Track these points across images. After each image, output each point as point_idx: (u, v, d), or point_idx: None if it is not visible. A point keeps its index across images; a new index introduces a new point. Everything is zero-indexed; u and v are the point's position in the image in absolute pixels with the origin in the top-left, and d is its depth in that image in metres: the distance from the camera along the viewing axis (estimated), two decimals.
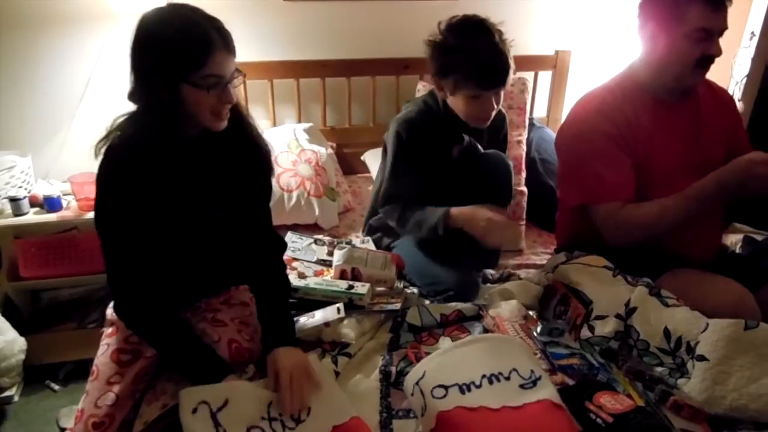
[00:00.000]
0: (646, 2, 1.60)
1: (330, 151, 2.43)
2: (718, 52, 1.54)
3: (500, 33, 1.66)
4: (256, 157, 1.42)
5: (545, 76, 2.72)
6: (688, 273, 1.62)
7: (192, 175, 1.32)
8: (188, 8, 1.22)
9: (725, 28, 1.53)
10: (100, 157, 1.25)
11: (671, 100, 1.65)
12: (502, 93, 1.72)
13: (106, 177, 1.24)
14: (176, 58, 1.16)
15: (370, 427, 1.21)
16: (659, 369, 1.40)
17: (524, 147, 2.34)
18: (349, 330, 1.46)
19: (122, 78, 2.08)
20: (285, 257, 1.77)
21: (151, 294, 1.29)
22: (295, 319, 1.45)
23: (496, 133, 1.93)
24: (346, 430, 1.19)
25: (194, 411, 1.14)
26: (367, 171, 2.53)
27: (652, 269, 1.63)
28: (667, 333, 1.41)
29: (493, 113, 1.74)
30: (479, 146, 1.83)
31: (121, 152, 1.23)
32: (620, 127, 1.61)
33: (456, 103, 1.73)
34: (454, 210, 1.70)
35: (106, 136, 1.25)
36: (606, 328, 1.49)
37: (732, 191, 1.43)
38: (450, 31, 1.68)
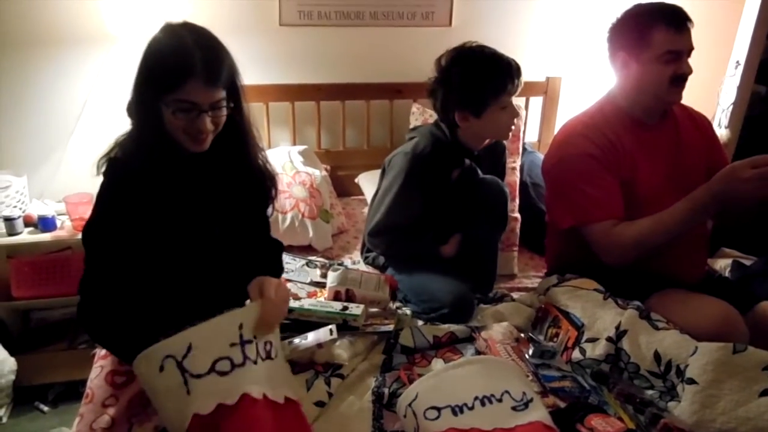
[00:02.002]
0: (613, 33, 1.68)
1: (324, 173, 2.45)
2: (689, 70, 1.62)
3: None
4: (257, 183, 1.44)
5: (536, 102, 2.77)
6: (677, 293, 1.64)
7: (190, 191, 1.33)
8: (192, 31, 1.23)
9: (692, 47, 1.62)
10: (98, 177, 1.27)
11: (650, 121, 1.72)
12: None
13: (105, 191, 1.27)
14: (154, 76, 1.19)
15: None
16: (650, 392, 1.41)
17: (518, 173, 2.37)
18: (342, 351, 1.46)
19: (118, 100, 2.11)
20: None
21: (119, 304, 1.25)
22: (288, 341, 1.46)
23: (496, 162, 1.98)
24: (290, 408, 1.16)
25: (161, 369, 1.08)
26: (361, 193, 2.55)
27: (640, 290, 1.66)
28: (657, 356, 1.42)
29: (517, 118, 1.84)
30: (479, 170, 1.86)
31: (121, 168, 1.25)
32: (604, 149, 1.65)
33: (483, 123, 1.78)
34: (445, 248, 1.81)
35: (107, 153, 1.28)
36: (597, 350, 1.50)
37: (721, 199, 1.45)
38: (463, 62, 1.76)
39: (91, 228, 1.28)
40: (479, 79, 1.73)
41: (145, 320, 1.24)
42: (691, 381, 1.32)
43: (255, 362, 1.14)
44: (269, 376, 1.15)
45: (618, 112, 1.71)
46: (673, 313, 1.53)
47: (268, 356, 1.18)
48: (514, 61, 1.77)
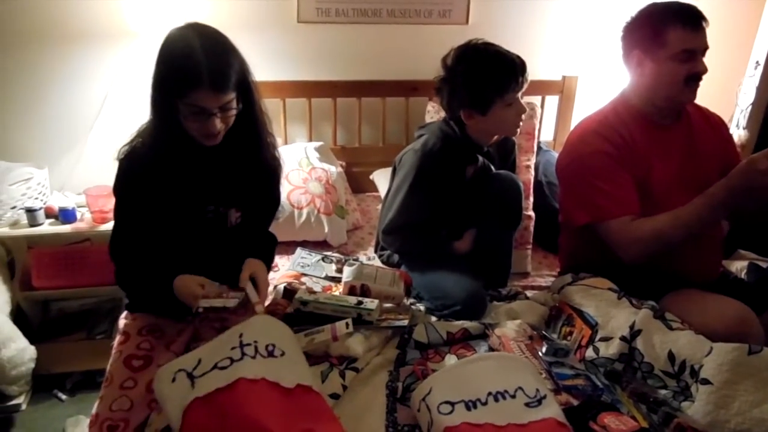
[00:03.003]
0: (627, 32, 1.69)
1: (340, 169, 2.46)
2: (704, 70, 1.61)
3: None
4: (266, 173, 1.54)
5: (552, 101, 2.77)
6: (692, 293, 1.64)
7: (203, 177, 1.42)
8: (201, 35, 1.29)
9: (707, 46, 1.61)
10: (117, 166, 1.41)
11: (664, 121, 1.72)
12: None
13: (123, 175, 1.40)
14: (168, 81, 1.28)
15: None
16: (663, 391, 1.41)
17: (533, 172, 2.37)
18: (357, 345, 1.48)
19: (138, 95, 2.15)
20: (294, 272, 1.81)
21: (137, 259, 1.44)
22: (303, 332, 1.48)
23: (506, 158, 1.98)
24: (307, 396, 1.20)
25: (173, 380, 1.19)
26: (376, 190, 2.56)
27: (655, 290, 1.66)
28: (671, 356, 1.42)
29: (524, 116, 1.83)
30: (492, 167, 1.86)
31: (138, 155, 1.38)
32: (618, 147, 1.66)
33: (490, 121, 1.78)
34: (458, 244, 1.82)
35: (129, 142, 1.39)
36: (610, 349, 1.51)
37: (739, 192, 1.44)
38: (468, 60, 1.75)
39: (116, 200, 1.45)
40: (484, 76, 1.72)
41: (158, 277, 1.40)
42: (706, 381, 1.31)
43: (253, 357, 1.20)
44: (270, 368, 1.20)
45: (632, 112, 1.71)
46: (688, 312, 1.53)
47: (270, 355, 1.23)
48: (518, 57, 1.76)
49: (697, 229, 1.54)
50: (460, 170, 1.84)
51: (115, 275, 1.51)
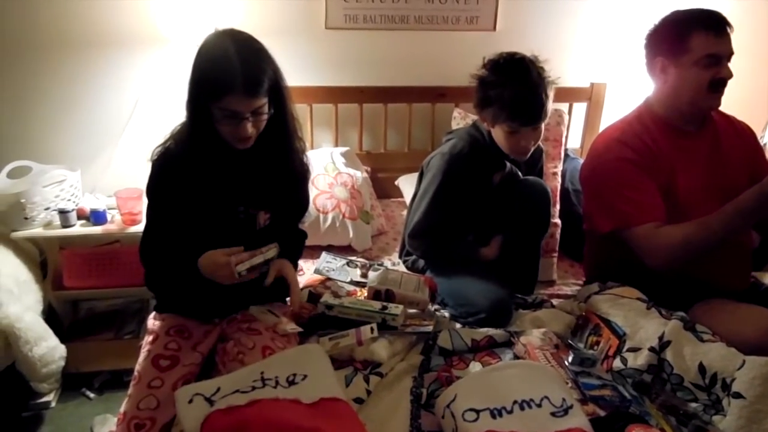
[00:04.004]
0: (651, 39, 1.68)
1: (365, 174, 2.47)
2: (729, 75, 1.60)
3: (540, 70, 1.70)
4: (295, 176, 1.57)
5: (579, 108, 2.74)
6: (722, 303, 1.61)
7: (233, 178, 1.45)
8: (235, 40, 1.32)
9: (731, 52, 1.59)
10: (148, 169, 1.45)
11: (688, 129, 1.70)
12: (541, 129, 1.75)
13: (155, 176, 1.44)
14: (202, 85, 1.32)
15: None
16: (693, 405, 1.39)
17: (559, 179, 2.35)
18: (381, 350, 1.48)
19: (168, 100, 2.19)
20: (319, 276, 1.82)
21: (171, 252, 1.45)
22: (328, 336, 1.49)
23: (533, 165, 1.97)
24: (331, 405, 1.22)
25: (190, 401, 1.20)
26: (401, 196, 2.57)
27: (683, 299, 1.63)
28: (702, 368, 1.39)
29: (532, 148, 1.77)
30: (519, 173, 1.85)
31: (171, 156, 1.41)
32: (641, 154, 1.64)
33: (496, 135, 1.77)
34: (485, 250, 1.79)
35: (163, 143, 1.43)
36: (639, 360, 1.48)
37: None
38: (490, 66, 1.74)
39: (148, 200, 1.48)
40: (499, 98, 1.69)
41: (188, 274, 1.41)
42: (738, 395, 1.29)
43: (274, 387, 1.23)
44: (291, 392, 1.23)
45: (655, 119, 1.70)
46: (719, 322, 1.50)
47: (292, 384, 1.25)
48: (542, 103, 1.68)
49: (725, 236, 1.51)
50: (487, 175, 1.83)
51: (145, 275, 1.54)
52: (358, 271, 2.00)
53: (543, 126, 1.75)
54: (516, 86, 1.67)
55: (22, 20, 2.25)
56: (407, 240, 1.92)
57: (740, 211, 1.46)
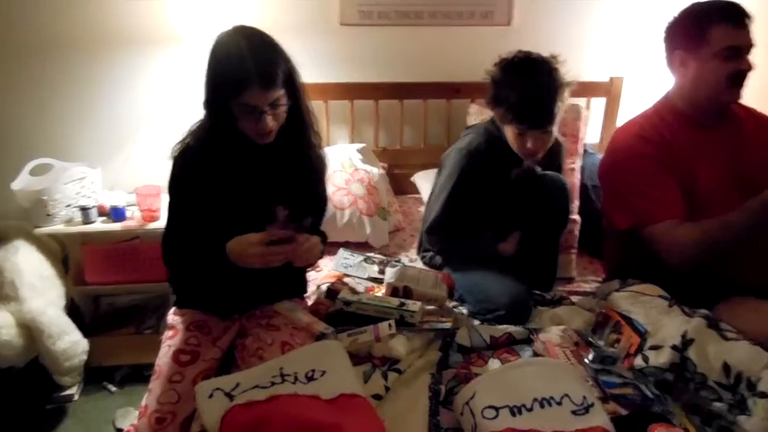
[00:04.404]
0: (670, 33, 1.66)
1: (382, 171, 2.47)
2: (749, 67, 1.58)
3: (553, 72, 1.66)
4: (311, 170, 1.58)
5: (598, 103, 2.71)
6: (746, 300, 1.58)
7: (252, 174, 1.46)
8: (246, 36, 1.34)
9: (751, 44, 1.57)
10: (167, 167, 1.47)
11: (710, 122, 1.67)
12: (552, 132, 1.72)
13: (176, 172, 1.46)
14: (219, 83, 1.33)
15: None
16: (717, 404, 1.36)
17: (578, 175, 2.32)
18: (399, 346, 1.48)
19: (185, 97, 2.21)
20: (337, 273, 1.83)
21: (194, 246, 1.45)
22: (347, 332, 1.49)
23: (552, 160, 1.94)
24: (350, 401, 1.22)
25: (210, 396, 1.23)
26: (418, 192, 2.56)
27: (706, 297, 1.60)
28: (726, 368, 1.37)
29: (541, 152, 1.74)
30: (538, 168, 1.84)
31: (190, 153, 1.43)
32: (660, 149, 1.63)
33: (507, 134, 1.76)
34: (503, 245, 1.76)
35: (182, 140, 1.45)
36: (661, 358, 1.46)
37: None
38: (502, 65, 1.72)
39: (169, 195, 1.50)
40: (507, 99, 1.67)
41: (212, 265, 1.43)
42: (764, 395, 1.26)
43: (294, 383, 1.25)
44: (310, 389, 1.24)
45: (675, 113, 1.68)
46: (744, 319, 1.48)
47: (311, 380, 1.27)
48: (549, 107, 1.65)
49: (748, 234, 1.49)
50: (505, 171, 1.82)
51: (168, 271, 1.56)
52: (376, 268, 2.00)
53: (554, 129, 1.71)
54: (524, 88, 1.64)
55: (43, 22, 2.28)
56: (424, 236, 1.92)
57: (763, 209, 1.43)
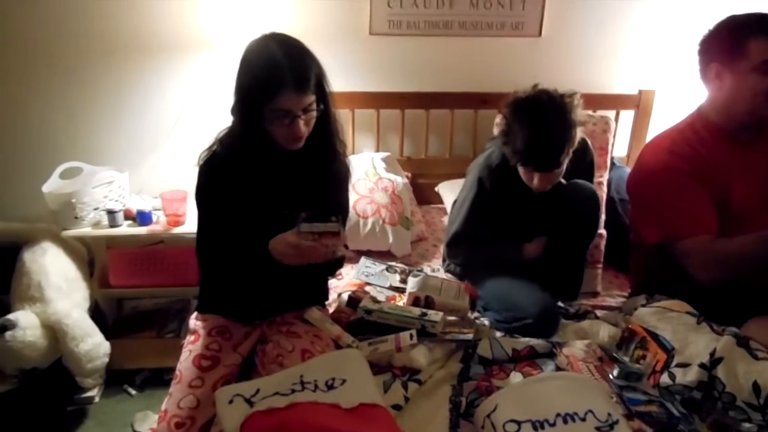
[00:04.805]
0: (705, 45, 1.62)
1: (406, 180, 2.46)
2: None
3: (564, 114, 1.61)
4: (336, 178, 1.57)
5: (626, 115, 2.67)
6: None
7: (278, 181, 1.46)
8: (279, 42, 1.34)
9: None
10: (193, 175, 1.47)
11: (747, 137, 1.63)
12: (561, 170, 1.68)
13: (203, 178, 1.46)
14: (253, 89, 1.32)
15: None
16: (746, 425, 1.32)
17: (605, 188, 2.29)
18: (420, 356, 1.46)
19: (214, 104, 2.23)
20: (358, 281, 1.82)
21: (224, 246, 1.46)
22: (367, 342, 1.48)
23: (578, 162, 1.90)
24: (370, 410, 1.21)
25: (230, 402, 1.23)
26: (441, 202, 2.55)
27: (735, 314, 1.56)
28: (756, 387, 1.33)
29: (548, 187, 1.72)
30: (562, 180, 1.81)
31: (218, 159, 1.43)
32: (693, 164, 1.59)
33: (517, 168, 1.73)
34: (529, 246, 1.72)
35: (209, 147, 1.45)
36: (688, 377, 1.42)
37: None
38: (511, 105, 1.68)
39: (197, 202, 1.50)
40: (514, 140, 1.65)
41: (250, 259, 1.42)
42: None
43: (313, 391, 1.24)
44: (330, 397, 1.24)
45: (709, 127, 1.64)
46: None
47: (331, 388, 1.26)
48: (556, 151, 1.61)
49: None
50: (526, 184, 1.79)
51: (200, 275, 1.57)
52: (398, 277, 1.99)
53: (564, 167, 1.68)
54: (529, 132, 1.60)
55: (75, 28, 2.33)
56: (445, 249, 1.91)
57: None
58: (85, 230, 2.23)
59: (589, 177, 1.93)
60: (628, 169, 2.50)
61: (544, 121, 1.61)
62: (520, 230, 1.83)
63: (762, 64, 1.51)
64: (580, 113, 1.64)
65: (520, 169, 1.71)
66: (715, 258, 1.52)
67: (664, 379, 1.45)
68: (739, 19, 1.57)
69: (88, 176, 2.26)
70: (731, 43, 1.55)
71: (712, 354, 1.41)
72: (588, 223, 1.80)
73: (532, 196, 1.79)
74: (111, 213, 2.22)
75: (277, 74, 1.29)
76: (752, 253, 1.48)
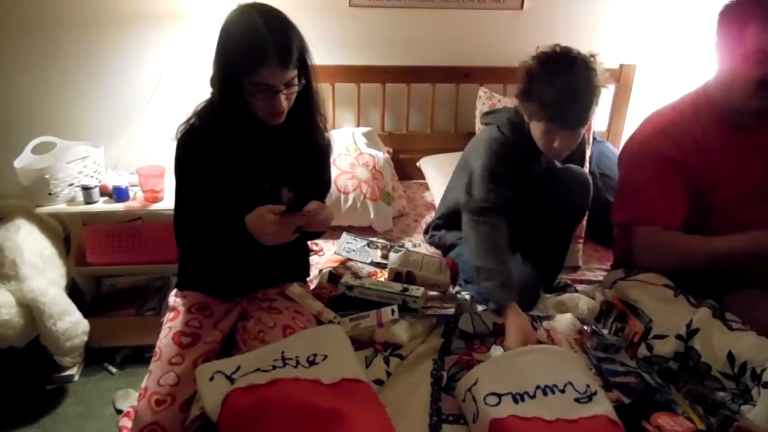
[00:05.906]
0: (721, 18, 1.53)
1: (387, 155, 2.44)
2: None
3: (592, 73, 1.57)
4: (317, 153, 1.55)
5: (607, 90, 2.67)
6: (754, 293, 1.56)
7: (258, 154, 1.43)
8: (262, 13, 1.29)
9: None
10: (171, 148, 1.42)
11: (746, 122, 1.58)
12: (580, 133, 1.64)
13: (181, 153, 1.42)
14: (234, 61, 1.28)
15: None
16: (721, 394, 1.35)
17: (587, 163, 2.30)
18: (401, 332, 1.47)
19: (191, 77, 2.17)
20: (339, 257, 1.81)
21: (202, 221, 1.44)
22: (349, 317, 1.48)
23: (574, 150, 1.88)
24: (352, 386, 1.22)
25: (211, 379, 1.23)
26: (423, 177, 2.54)
27: (714, 289, 1.58)
28: (731, 357, 1.36)
29: (567, 152, 1.67)
30: (557, 163, 1.80)
31: (195, 133, 1.40)
32: (685, 151, 1.57)
33: (533, 129, 1.67)
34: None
35: (187, 120, 1.41)
36: (665, 348, 1.45)
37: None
38: (539, 59, 1.61)
39: (176, 175, 1.46)
40: (541, 95, 1.58)
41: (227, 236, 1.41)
42: None
43: (295, 367, 1.24)
44: (311, 372, 1.23)
45: (711, 108, 1.59)
46: (753, 310, 1.46)
47: (312, 364, 1.26)
48: (584, 110, 1.56)
49: (721, 265, 1.50)
50: (524, 165, 1.76)
51: (179, 252, 1.55)
52: (379, 253, 1.99)
53: (583, 131, 1.65)
54: (560, 87, 1.55)
55: None
56: (465, 214, 1.73)
57: (755, 247, 1.44)
58: (59, 207, 2.18)
59: (581, 162, 1.93)
60: (609, 144, 2.52)
61: (575, 76, 1.55)
62: (514, 210, 1.79)
63: (754, 54, 1.44)
64: (602, 75, 1.60)
65: (539, 132, 1.64)
66: (659, 247, 1.55)
67: (642, 350, 1.48)
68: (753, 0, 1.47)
69: (61, 151, 2.20)
70: (733, 23, 1.48)
71: (688, 325, 1.44)
72: (577, 208, 1.80)
73: (529, 179, 1.76)
74: (86, 189, 2.17)
75: (259, 48, 1.25)
76: (695, 259, 1.51)
